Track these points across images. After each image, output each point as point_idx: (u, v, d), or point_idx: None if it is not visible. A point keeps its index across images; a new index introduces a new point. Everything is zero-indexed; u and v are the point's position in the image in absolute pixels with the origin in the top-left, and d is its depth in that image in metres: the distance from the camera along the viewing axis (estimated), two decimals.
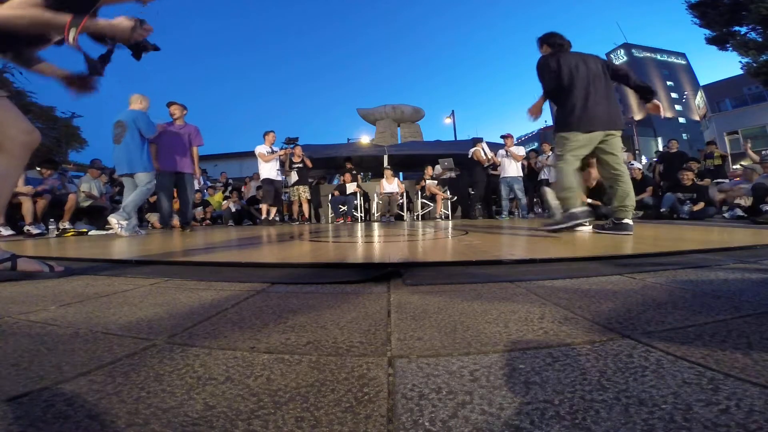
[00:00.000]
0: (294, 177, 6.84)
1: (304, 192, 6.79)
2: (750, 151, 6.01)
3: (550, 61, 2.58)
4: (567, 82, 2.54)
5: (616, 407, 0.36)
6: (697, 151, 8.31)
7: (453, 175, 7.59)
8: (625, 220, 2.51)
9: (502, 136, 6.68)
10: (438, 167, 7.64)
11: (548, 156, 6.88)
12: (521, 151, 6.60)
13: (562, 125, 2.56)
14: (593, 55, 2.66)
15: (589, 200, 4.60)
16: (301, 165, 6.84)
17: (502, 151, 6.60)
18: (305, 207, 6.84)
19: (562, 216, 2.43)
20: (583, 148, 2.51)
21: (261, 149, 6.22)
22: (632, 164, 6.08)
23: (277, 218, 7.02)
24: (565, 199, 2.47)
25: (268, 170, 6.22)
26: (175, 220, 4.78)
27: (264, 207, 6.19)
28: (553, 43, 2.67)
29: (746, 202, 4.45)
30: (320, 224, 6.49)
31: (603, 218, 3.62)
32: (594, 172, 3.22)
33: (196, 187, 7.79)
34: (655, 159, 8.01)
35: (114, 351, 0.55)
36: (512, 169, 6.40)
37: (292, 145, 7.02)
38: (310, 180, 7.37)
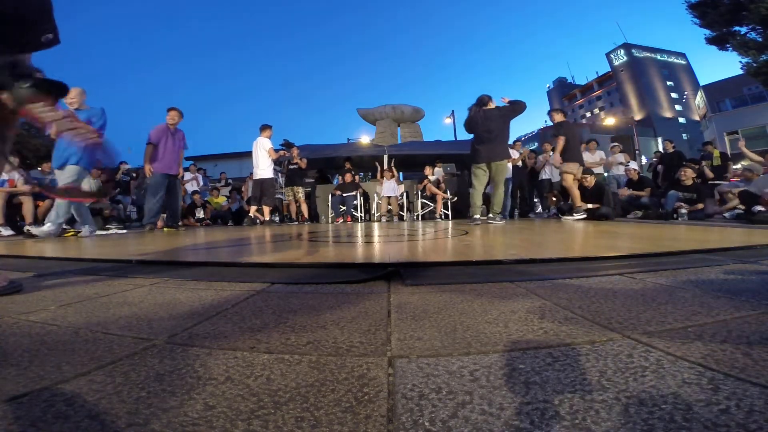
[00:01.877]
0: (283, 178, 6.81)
1: (299, 192, 6.76)
2: (745, 149, 5.97)
3: (471, 114, 4.37)
4: (476, 130, 4.32)
5: (616, 407, 0.36)
6: (698, 151, 8.28)
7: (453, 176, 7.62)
8: (497, 217, 4.38)
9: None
10: (440, 170, 7.65)
11: (549, 155, 6.86)
12: (514, 153, 6.59)
13: (471, 158, 4.42)
14: (498, 107, 4.31)
15: (589, 204, 4.66)
16: (296, 166, 6.82)
17: None
18: (303, 207, 6.82)
19: (472, 219, 4.29)
20: (483, 174, 4.32)
21: (269, 144, 5.94)
22: (628, 165, 6.08)
23: (277, 219, 7.02)
24: (473, 212, 4.33)
25: (271, 168, 6.04)
26: (160, 222, 4.78)
27: (267, 209, 6.08)
28: (478, 102, 4.38)
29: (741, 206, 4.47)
30: (320, 224, 6.49)
31: (603, 218, 4.14)
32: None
33: (195, 187, 7.80)
34: (654, 159, 7.99)
35: (114, 351, 0.55)
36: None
37: (288, 149, 6.98)
38: (308, 180, 7.34)
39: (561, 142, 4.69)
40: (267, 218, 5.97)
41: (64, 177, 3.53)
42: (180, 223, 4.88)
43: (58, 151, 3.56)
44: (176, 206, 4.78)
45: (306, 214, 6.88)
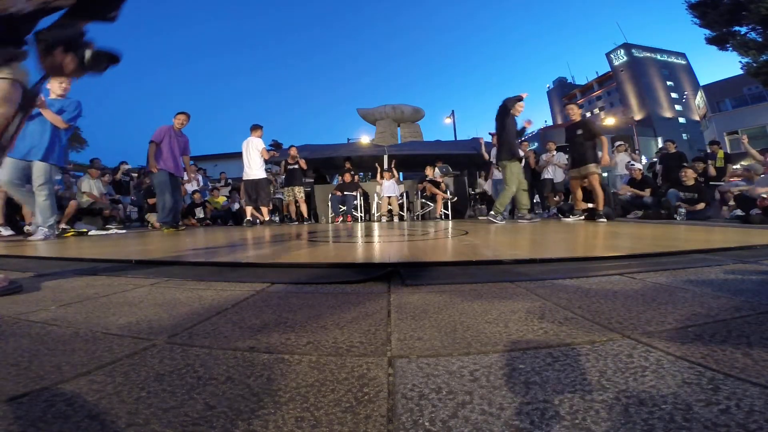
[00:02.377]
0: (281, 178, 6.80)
1: (299, 192, 6.75)
2: (748, 146, 5.95)
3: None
4: None
5: (616, 407, 0.36)
6: (698, 151, 8.28)
7: (450, 178, 7.63)
8: (497, 216, 4.36)
9: (491, 134, 6.59)
10: (437, 171, 7.66)
11: (553, 154, 6.84)
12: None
13: None
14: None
15: (590, 204, 4.67)
16: (296, 166, 6.79)
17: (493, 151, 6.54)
18: (302, 207, 6.81)
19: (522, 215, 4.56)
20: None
21: (262, 144, 5.89)
22: (632, 164, 6.08)
23: (276, 219, 7.02)
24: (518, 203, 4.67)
25: (264, 168, 5.96)
26: (155, 222, 4.82)
27: (265, 210, 6.03)
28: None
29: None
30: (320, 224, 6.48)
31: (605, 218, 4.18)
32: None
33: (195, 186, 7.80)
34: (655, 159, 8.00)
35: (114, 351, 0.55)
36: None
37: (276, 149, 6.92)
38: (307, 180, 7.33)
39: (606, 142, 4.49)
40: (266, 218, 5.91)
41: (34, 177, 3.31)
42: (180, 223, 4.92)
43: (23, 141, 3.24)
44: (177, 206, 4.83)
45: (305, 214, 6.87)
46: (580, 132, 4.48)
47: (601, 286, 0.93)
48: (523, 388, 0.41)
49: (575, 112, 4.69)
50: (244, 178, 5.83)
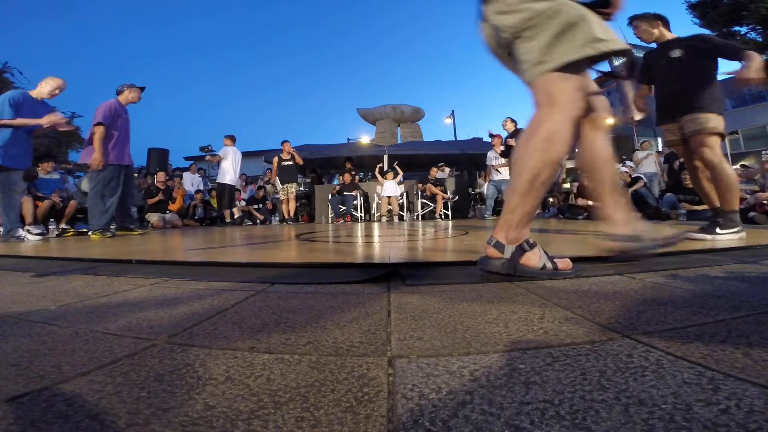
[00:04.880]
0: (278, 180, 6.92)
1: (291, 191, 6.69)
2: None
3: None
4: None
5: (616, 407, 0.36)
6: None
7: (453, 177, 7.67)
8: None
9: (490, 135, 6.60)
10: (443, 172, 7.70)
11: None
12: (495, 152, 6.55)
13: None
14: None
15: (590, 202, 4.66)
16: (290, 162, 6.67)
17: (491, 154, 6.56)
18: (291, 205, 6.74)
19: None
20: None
21: (240, 154, 6.48)
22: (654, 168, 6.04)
23: (276, 220, 7.08)
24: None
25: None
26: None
27: (229, 212, 6.30)
28: None
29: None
30: (320, 224, 6.48)
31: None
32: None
33: (195, 187, 7.80)
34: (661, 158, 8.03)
35: (114, 351, 0.55)
36: (498, 172, 6.38)
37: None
38: (306, 180, 7.36)
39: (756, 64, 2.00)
40: (229, 219, 6.28)
41: (16, 181, 3.26)
42: (131, 225, 4.01)
43: (18, 147, 3.17)
44: (127, 204, 3.84)
45: (292, 213, 6.79)
46: (678, 54, 2.30)
47: (601, 286, 0.93)
48: (523, 388, 0.41)
49: (655, 32, 2.45)
50: (229, 183, 6.22)
